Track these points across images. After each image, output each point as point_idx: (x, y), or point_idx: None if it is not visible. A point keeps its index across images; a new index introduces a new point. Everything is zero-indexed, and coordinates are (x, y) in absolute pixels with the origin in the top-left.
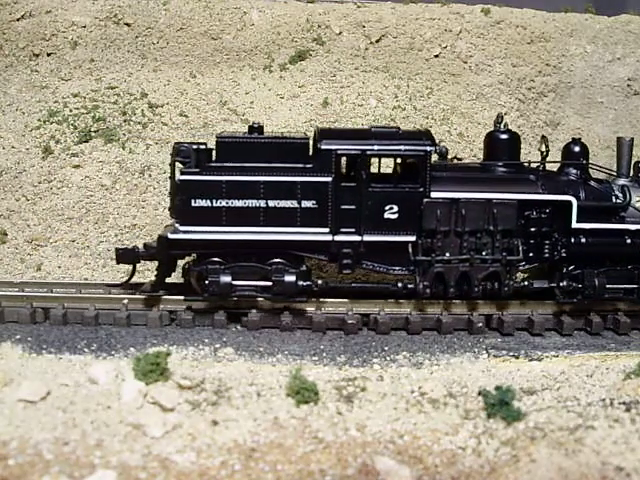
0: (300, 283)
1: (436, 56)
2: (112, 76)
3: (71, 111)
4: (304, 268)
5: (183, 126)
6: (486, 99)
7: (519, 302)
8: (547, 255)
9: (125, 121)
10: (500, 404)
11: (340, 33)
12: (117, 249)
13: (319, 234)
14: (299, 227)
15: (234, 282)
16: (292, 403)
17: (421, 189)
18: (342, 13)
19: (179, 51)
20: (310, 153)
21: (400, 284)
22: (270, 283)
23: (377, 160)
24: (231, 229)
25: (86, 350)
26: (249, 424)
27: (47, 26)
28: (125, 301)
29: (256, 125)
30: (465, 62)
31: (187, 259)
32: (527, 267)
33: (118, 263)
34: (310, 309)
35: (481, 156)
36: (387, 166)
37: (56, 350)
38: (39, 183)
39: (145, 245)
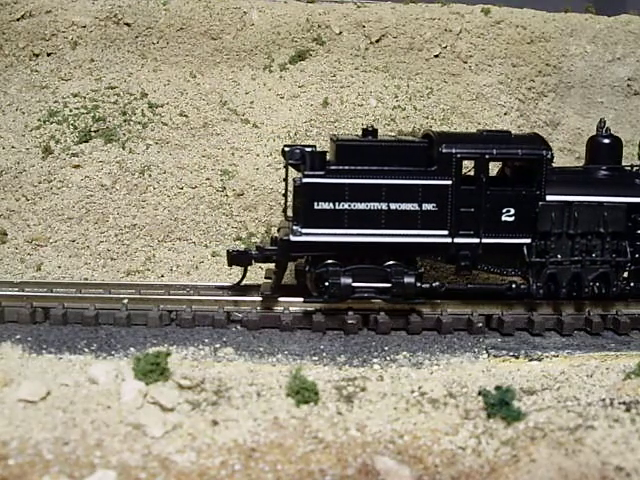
0: (419, 285)
1: (436, 56)
2: (112, 76)
3: (71, 111)
4: (421, 270)
5: (183, 126)
6: (486, 99)
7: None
8: None
9: (125, 121)
10: (500, 404)
11: (340, 33)
12: (229, 252)
13: (439, 236)
14: (419, 229)
15: (354, 284)
16: (292, 403)
17: (537, 192)
18: (342, 13)
19: (179, 51)
20: (429, 156)
21: (514, 285)
22: (389, 285)
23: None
24: (353, 231)
25: (86, 350)
26: (249, 424)
27: (47, 26)
28: (125, 301)
29: (370, 128)
30: (465, 62)
31: (299, 261)
32: (632, 268)
33: (230, 265)
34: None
35: None
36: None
37: (56, 350)
38: (39, 183)
39: (258, 247)
